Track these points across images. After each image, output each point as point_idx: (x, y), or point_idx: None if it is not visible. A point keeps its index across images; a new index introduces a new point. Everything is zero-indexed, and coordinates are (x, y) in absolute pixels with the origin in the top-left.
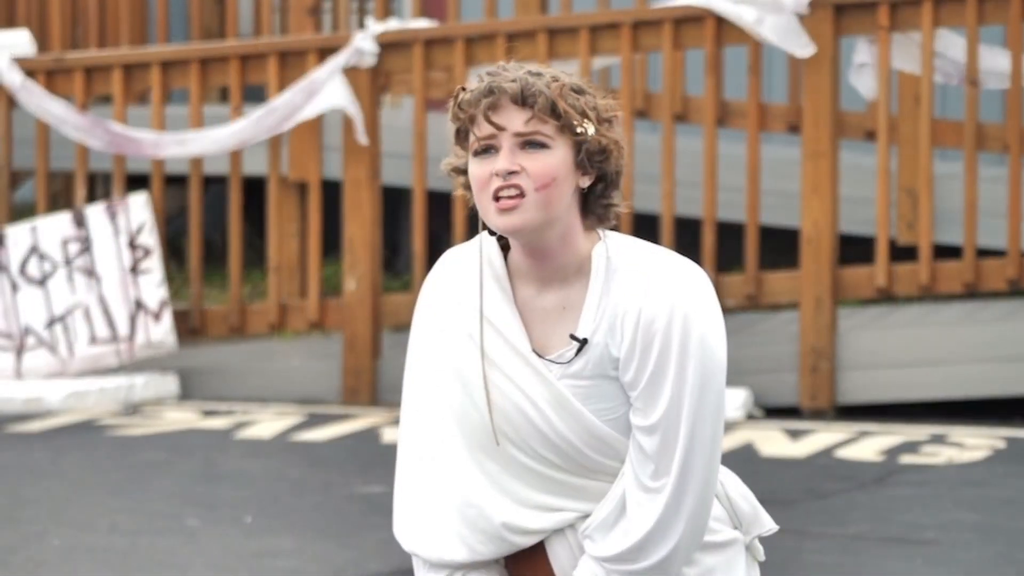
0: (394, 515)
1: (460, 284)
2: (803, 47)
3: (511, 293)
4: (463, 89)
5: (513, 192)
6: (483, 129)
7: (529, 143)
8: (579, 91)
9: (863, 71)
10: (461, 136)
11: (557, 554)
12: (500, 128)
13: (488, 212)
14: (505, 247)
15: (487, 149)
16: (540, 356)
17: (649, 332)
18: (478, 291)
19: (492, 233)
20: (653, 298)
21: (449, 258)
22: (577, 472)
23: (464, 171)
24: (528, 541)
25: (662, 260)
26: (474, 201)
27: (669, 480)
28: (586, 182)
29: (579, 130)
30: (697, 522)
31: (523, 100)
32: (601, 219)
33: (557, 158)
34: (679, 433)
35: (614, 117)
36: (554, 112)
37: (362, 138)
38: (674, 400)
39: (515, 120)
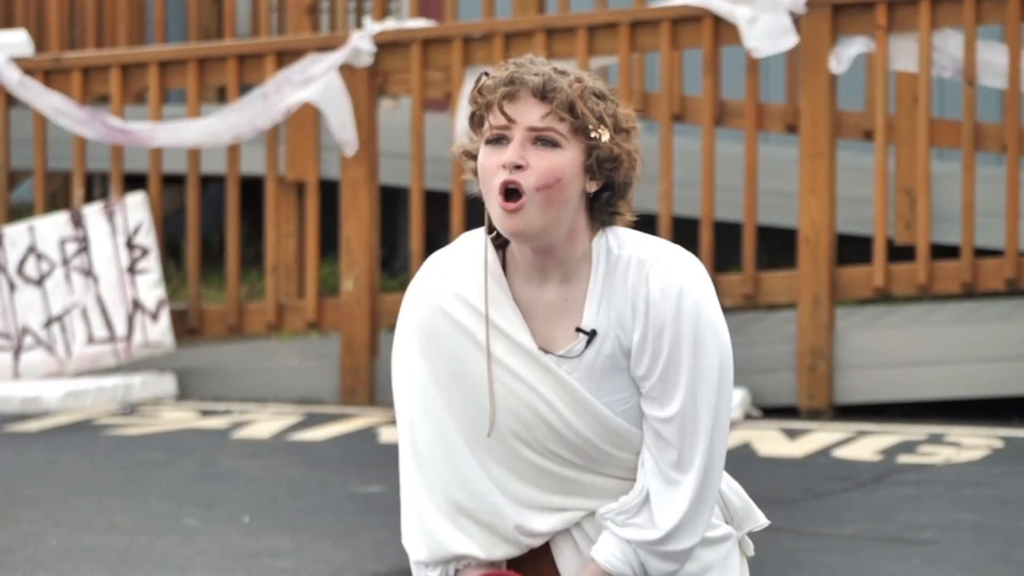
0: (403, 526)
1: (454, 286)
2: (783, 40)
3: (509, 291)
4: (486, 74)
5: (515, 197)
6: (497, 118)
7: (541, 139)
8: (600, 96)
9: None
10: (475, 121)
11: (563, 553)
12: (512, 120)
13: (494, 208)
14: (499, 244)
15: (499, 139)
16: (547, 352)
17: (659, 322)
18: (477, 291)
19: (490, 231)
20: (659, 287)
21: (439, 261)
22: (588, 468)
23: (475, 156)
24: (537, 542)
25: (663, 250)
26: (480, 188)
27: (695, 469)
28: (593, 187)
29: (593, 135)
30: (713, 501)
31: (543, 94)
32: (605, 224)
33: (566, 159)
34: (700, 423)
35: (632, 128)
36: (571, 112)
37: (349, 149)
38: (692, 390)
39: (530, 113)
